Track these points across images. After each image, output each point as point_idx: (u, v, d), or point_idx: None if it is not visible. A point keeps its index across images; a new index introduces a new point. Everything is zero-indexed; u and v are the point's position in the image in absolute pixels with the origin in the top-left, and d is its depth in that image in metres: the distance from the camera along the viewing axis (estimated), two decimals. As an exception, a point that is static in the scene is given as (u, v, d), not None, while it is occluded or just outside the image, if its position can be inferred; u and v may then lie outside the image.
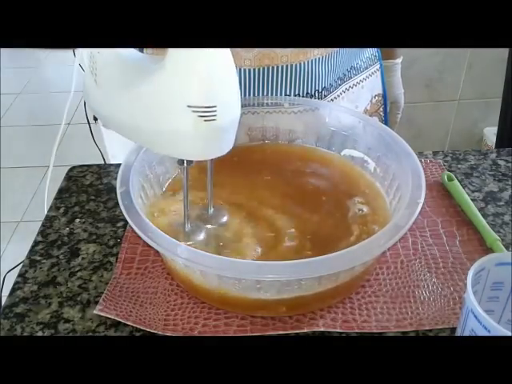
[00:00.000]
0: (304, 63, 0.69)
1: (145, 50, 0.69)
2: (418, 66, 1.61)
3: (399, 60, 0.87)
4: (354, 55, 0.78)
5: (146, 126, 0.47)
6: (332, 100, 0.75)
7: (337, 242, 0.55)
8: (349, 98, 0.78)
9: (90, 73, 0.50)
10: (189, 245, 0.51)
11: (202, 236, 0.55)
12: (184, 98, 0.43)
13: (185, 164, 0.50)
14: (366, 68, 0.81)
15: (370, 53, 0.81)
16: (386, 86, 0.86)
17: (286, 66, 0.69)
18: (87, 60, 0.50)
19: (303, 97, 0.72)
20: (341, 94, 0.77)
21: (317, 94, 0.72)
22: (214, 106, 0.43)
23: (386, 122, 0.87)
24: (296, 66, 0.69)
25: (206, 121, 0.44)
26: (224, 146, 0.48)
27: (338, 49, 0.72)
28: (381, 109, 0.85)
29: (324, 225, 0.58)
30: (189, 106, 0.43)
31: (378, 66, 0.82)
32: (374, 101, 0.83)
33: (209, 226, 0.56)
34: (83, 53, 0.50)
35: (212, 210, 0.57)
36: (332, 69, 0.73)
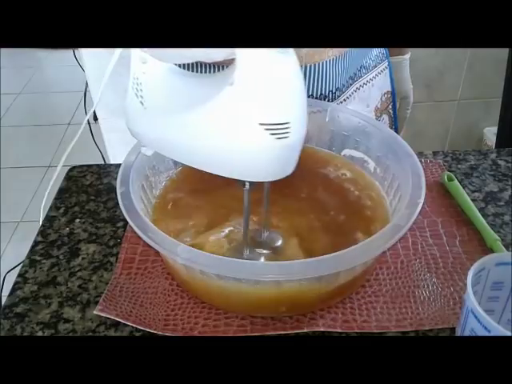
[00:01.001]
0: (318, 64, 0.69)
1: (185, 67, 0.67)
2: (418, 66, 1.61)
3: (407, 56, 0.87)
4: (364, 54, 0.78)
5: (211, 148, 0.44)
6: (344, 100, 0.75)
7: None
8: (360, 97, 0.78)
9: (134, 96, 0.47)
10: None
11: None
12: (255, 116, 0.41)
13: (247, 186, 0.47)
14: (375, 66, 0.81)
15: (377, 51, 0.81)
16: (396, 83, 0.86)
17: (301, 67, 0.69)
18: (130, 82, 0.47)
19: (317, 98, 0.72)
20: (352, 93, 0.77)
21: (330, 95, 0.72)
22: (288, 123, 0.41)
23: (395, 119, 0.87)
24: (311, 67, 0.69)
25: (278, 138, 0.41)
26: (290, 166, 0.45)
27: (349, 49, 0.72)
28: (390, 106, 0.85)
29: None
30: (261, 124, 0.41)
31: (386, 63, 0.82)
32: (383, 98, 0.83)
33: (264, 251, 0.54)
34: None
35: (266, 233, 0.55)
36: (344, 69, 0.73)
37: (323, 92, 0.72)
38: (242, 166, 0.44)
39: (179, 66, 0.49)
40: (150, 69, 0.47)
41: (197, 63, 0.68)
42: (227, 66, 0.43)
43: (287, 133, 0.41)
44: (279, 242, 0.55)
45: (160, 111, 0.47)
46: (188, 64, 0.67)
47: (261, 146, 0.42)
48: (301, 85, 0.43)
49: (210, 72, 0.68)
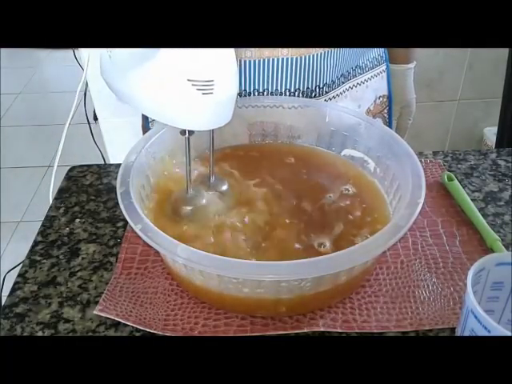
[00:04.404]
0: (305, 57, 0.69)
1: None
2: (418, 66, 1.60)
3: (412, 65, 0.86)
4: (360, 54, 0.77)
5: (153, 99, 0.50)
6: (334, 97, 0.75)
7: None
8: (352, 97, 0.78)
9: (105, 50, 0.52)
10: (190, 209, 0.56)
11: (203, 201, 0.58)
12: (184, 73, 0.47)
13: (186, 134, 0.53)
14: (372, 68, 0.80)
15: (376, 53, 0.80)
16: (398, 91, 0.85)
17: (287, 59, 0.69)
18: None
19: (304, 91, 0.71)
20: (344, 91, 0.76)
21: (317, 90, 0.72)
22: (212, 81, 0.48)
23: (390, 123, 0.86)
24: (297, 59, 0.69)
25: (203, 94, 0.48)
26: (221, 119, 0.52)
27: None
28: (385, 110, 0.85)
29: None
30: (189, 80, 0.47)
31: (385, 67, 0.82)
32: (378, 102, 0.83)
33: (210, 193, 0.59)
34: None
35: (214, 178, 0.60)
36: (334, 65, 0.72)
37: (310, 86, 0.71)
38: (177, 117, 0.51)
39: None
40: None
41: None
42: None
43: (211, 89, 0.48)
44: (225, 187, 0.61)
45: (121, 65, 0.51)
46: None
47: (189, 99, 0.48)
48: (227, 49, 0.49)
49: None
